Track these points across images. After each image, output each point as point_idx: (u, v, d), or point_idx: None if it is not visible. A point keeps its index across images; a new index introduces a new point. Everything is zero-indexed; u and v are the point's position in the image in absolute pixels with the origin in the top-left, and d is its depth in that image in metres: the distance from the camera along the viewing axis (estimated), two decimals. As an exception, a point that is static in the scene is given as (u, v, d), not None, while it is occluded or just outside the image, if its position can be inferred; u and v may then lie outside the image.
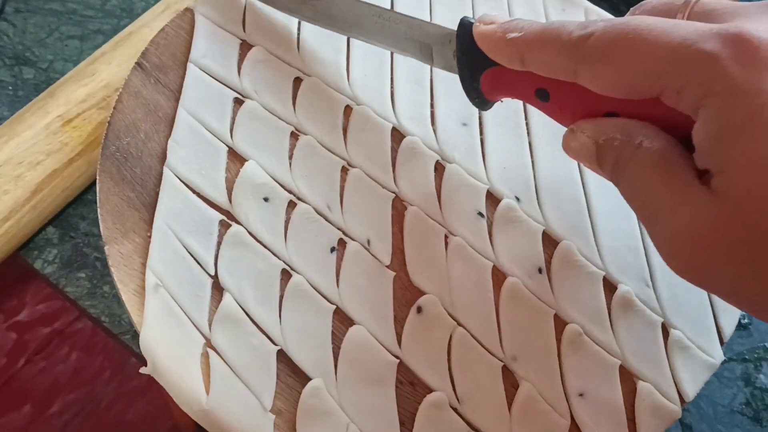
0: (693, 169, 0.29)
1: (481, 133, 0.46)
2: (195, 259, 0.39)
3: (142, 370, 0.37)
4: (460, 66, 0.39)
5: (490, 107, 0.40)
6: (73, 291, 0.46)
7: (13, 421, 1.02)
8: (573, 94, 0.34)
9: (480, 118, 0.46)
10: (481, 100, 0.39)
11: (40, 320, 0.92)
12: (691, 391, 0.39)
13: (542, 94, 0.36)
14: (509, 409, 0.38)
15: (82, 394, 1.12)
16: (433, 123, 0.46)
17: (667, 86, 0.29)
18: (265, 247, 0.40)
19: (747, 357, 0.49)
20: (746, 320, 0.50)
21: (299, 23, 0.48)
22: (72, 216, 0.49)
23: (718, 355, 0.40)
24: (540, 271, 0.41)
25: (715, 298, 0.41)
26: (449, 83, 0.47)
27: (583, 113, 0.34)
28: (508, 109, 0.47)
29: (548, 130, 0.46)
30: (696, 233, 0.28)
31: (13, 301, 0.86)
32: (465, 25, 0.37)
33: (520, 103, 0.47)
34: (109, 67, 0.48)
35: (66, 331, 0.96)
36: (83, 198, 0.49)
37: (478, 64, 0.37)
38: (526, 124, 0.47)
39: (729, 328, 0.41)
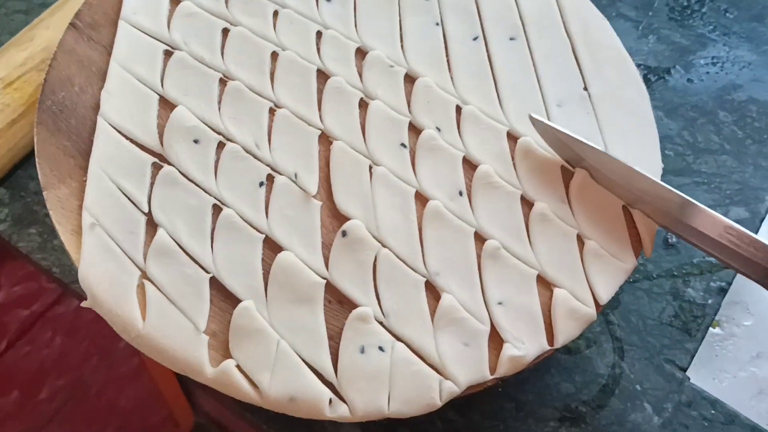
0: None
1: (406, 74, 0.48)
2: (129, 199, 0.41)
3: (83, 303, 0.40)
4: None
5: None
6: (24, 246, 0.49)
7: (3, 406, 1.03)
8: None
9: (405, 58, 0.48)
10: None
11: (18, 302, 0.94)
12: (604, 294, 0.41)
13: None
14: (432, 319, 0.40)
15: (71, 380, 1.13)
16: (357, 64, 0.48)
17: None
18: (196, 185, 0.42)
19: (675, 273, 0.51)
20: (674, 240, 0.52)
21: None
22: (21, 177, 0.51)
23: (630, 261, 0.42)
24: (461, 193, 0.43)
25: (636, 213, 0.43)
26: (375, 26, 0.49)
27: None
28: (433, 47, 0.49)
29: (469, 63, 0.48)
30: None
31: (-12, 283, 0.88)
32: None
33: (443, 42, 0.49)
34: (47, 31, 0.50)
35: (47, 314, 0.98)
36: (31, 160, 0.52)
37: None
38: (447, 61, 0.48)
39: (648, 240, 0.43)
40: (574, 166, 0.44)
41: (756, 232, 0.53)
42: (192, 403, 1.28)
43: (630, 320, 0.49)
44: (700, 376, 0.49)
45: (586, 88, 0.48)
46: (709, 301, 0.50)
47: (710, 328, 0.50)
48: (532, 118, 0.44)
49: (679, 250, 0.52)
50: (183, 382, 1.20)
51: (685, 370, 0.48)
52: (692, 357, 0.49)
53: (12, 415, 1.09)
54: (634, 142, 0.45)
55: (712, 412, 0.46)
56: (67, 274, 0.47)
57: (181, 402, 1.25)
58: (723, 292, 0.51)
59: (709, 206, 0.50)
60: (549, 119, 0.46)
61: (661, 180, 0.44)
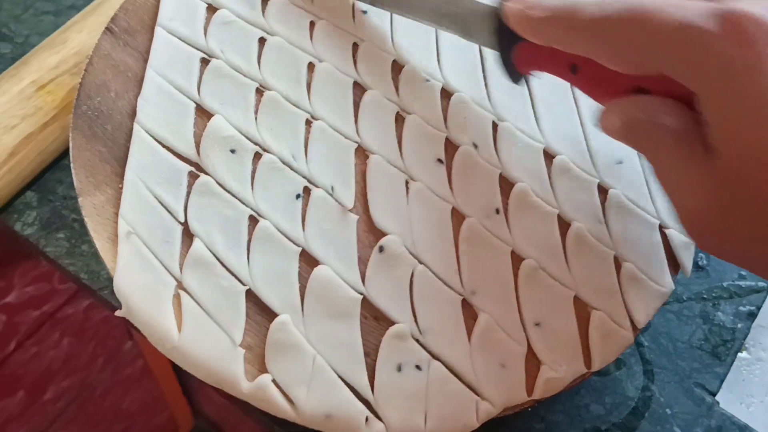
0: (709, 147, 0.30)
1: (443, 88, 0.47)
2: (165, 207, 0.41)
3: (118, 312, 0.39)
4: (494, 41, 0.41)
5: (524, 81, 0.42)
6: (52, 251, 0.48)
7: (8, 407, 1.03)
8: (600, 69, 0.35)
9: (441, 72, 0.48)
10: (514, 74, 0.42)
11: (29, 303, 0.93)
12: (642, 318, 0.41)
13: (573, 68, 0.38)
14: (469, 338, 0.39)
15: (76, 381, 1.13)
16: (394, 78, 0.47)
17: (669, 65, 0.30)
18: (232, 195, 0.42)
19: (705, 296, 0.51)
20: (704, 261, 0.52)
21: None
22: (50, 181, 0.51)
23: (668, 285, 0.42)
24: (497, 211, 0.43)
25: (671, 234, 0.43)
26: (411, 40, 0.49)
27: (612, 89, 0.36)
28: (468, 62, 0.49)
29: (506, 82, 0.48)
30: (707, 215, 0.30)
31: (1, 283, 0.87)
32: (500, 3, 0.40)
33: (479, 56, 0.49)
34: (80, 35, 0.50)
35: (56, 315, 0.97)
36: (60, 164, 0.51)
37: (509, 39, 0.40)
38: (484, 76, 0.48)
39: (687, 262, 0.43)
40: None
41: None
42: (192, 407, 1.28)
43: (660, 342, 0.49)
44: (728, 400, 0.49)
45: (622, 108, 0.47)
46: (739, 326, 0.50)
47: (738, 353, 0.50)
48: None
49: (709, 273, 0.52)
50: (184, 385, 1.20)
51: (714, 394, 0.48)
52: (721, 381, 0.48)
53: (17, 416, 1.08)
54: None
55: (743, 438, 0.46)
56: (96, 281, 0.47)
57: (182, 405, 1.24)
58: (752, 316, 0.51)
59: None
60: (586, 139, 0.46)
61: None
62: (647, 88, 0.34)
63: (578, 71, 0.38)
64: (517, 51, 0.40)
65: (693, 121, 0.31)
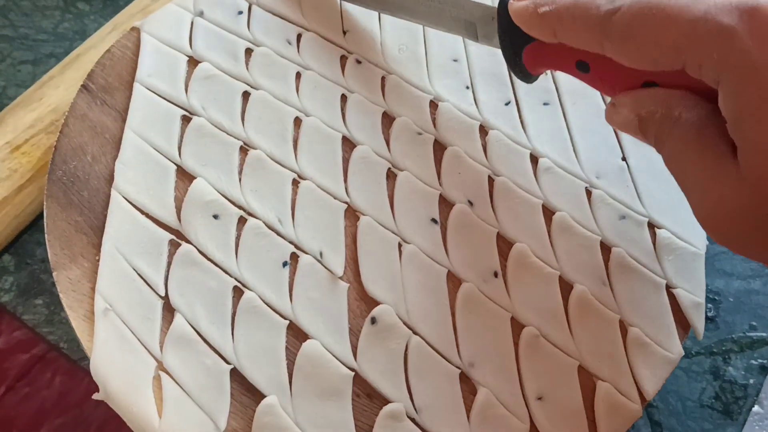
0: (728, 141, 0.29)
1: (436, 141, 0.45)
2: (145, 280, 0.39)
3: (95, 396, 0.37)
4: (502, 42, 0.40)
5: (535, 80, 0.41)
6: (30, 318, 0.46)
7: (0, 450, 1.00)
8: (611, 65, 0.34)
9: (434, 124, 0.46)
10: (524, 74, 0.41)
11: (17, 347, 0.91)
12: (651, 388, 0.38)
13: (582, 65, 0.37)
14: (468, 416, 0.37)
15: (70, 418, 1.10)
16: (384, 131, 0.45)
17: (687, 60, 0.29)
18: (215, 264, 0.40)
19: (715, 350, 0.49)
20: (713, 312, 0.50)
21: (247, 38, 0.48)
22: (28, 243, 0.49)
23: (677, 351, 0.39)
24: (495, 274, 0.41)
25: (679, 294, 0.41)
26: (401, 91, 0.47)
27: (622, 83, 0.35)
28: (462, 111, 0.46)
29: (500, 137, 0.46)
30: (726, 210, 0.29)
31: (-12, 330, 0.85)
32: (503, 2, 0.39)
33: (474, 107, 0.47)
34: (57, 91, 0.48)
35: (47, 356, 0.95)
36: (39, 224, 0.49)
37: (518, 40, 0.39)
38: (480, 127, 0.46)
39: (699, 323, 0.41)
40: None
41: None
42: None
43: (669, 402, 0.47)
44: (742, 461, 0.47)
45: (624, 159, 0.45)
46: (751, 381, 0.48)
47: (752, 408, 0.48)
48: None
49: (718, 325, 0.50)
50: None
51: (727, 456, 0.45)
52: (734, 442, 0.46)
53: (10, 457, 1.06)
54: (677, 214, 0.43)
55: (758, 505, 0.44)
56: (76, 351, 0.45)
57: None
58: (764, 370, 0.48)
59: (747, 276, 0.48)
60: (590, 194, 0.44)
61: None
62: (659, 81, 0.33)
63: (588, 67, 0.36)
64: (525, 51, 0.39)
65: (711, 114, 0.30)
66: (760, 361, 0.49)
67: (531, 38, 0.38)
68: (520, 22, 0.37)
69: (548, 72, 0.49)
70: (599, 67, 0.36)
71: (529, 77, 0.41)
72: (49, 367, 1.01)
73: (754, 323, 0.50)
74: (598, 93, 0.48)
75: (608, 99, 0.48)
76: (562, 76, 0.48)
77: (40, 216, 0.48)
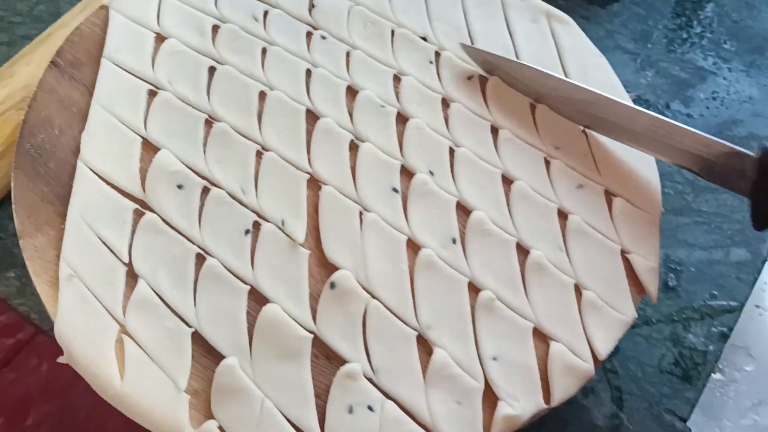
0: None
1: (399, 113, 0.46)
2: (109, 248, 0.40)
3: (59, 359, 0.38)
4: (756, 189, 0.40)
5: None
6: (2, 290, 0.47)
7: (-13, 436, 1.01)
8: None
9: (398, 97, 0.47)
10: (765, 224, 0.40)
11: (2, 331, 0.92)
12: (603, 348, 0.39)
13: None
14: (423, 375, 0.38)
15: (58, 405, 1.11)
16: (348, 104, 0.46)
17: None
18: (179, 233, 0.41)
19: (675, 318, 0.50)
20: (674, 282, 0.51)
21: (216, 15, 0.49)
22: (0, 217, 0.49)
23: (630, 313, 0.40)
24: (454, 241, 0.42)
25: (634, 259, 0.42)
26: (366, 66, 0.48)
27: None
28: (425, 85, 0.47)
29: (462, 110, 0.47)
30: None
31: (-30, 315, 0.86)
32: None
33: (437, 81, 0.48)
34: (28, 68, 0.49)
35: (32, 341, 0.96)
36: (10, 199, 0.50)
37: None
38: (443, 100, 0.47)
39: (652, 287, 0.42)
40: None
41: (758, 274, 0.52)
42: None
43: (629, 368, 0.48)
44: (700, 425, 0.48)
45: (584, 130, 0.46)
46: (711, 348, 0.49)
47: (711, 374, 0.49)
48: (462, 45, 0.48)
49: (679, 294, 0.51)
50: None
51: (685, 420, 0.46)
52: (693, 406, 0.47)
53: (-2, 444, 1.06)
54: (635, 181, 0.44)
55: (714, 466, 0.45)
56: (47, 321, 0.45)
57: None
58: (725, 337, 0.49)
59: (709, 247, 0.49)
60: (549, 162, 0.45)
61: (662, 219, 0.43)
62: None
63: None
64: None
65: None
66: (720, 328, 0.50)
67: None
68: None
69: (513, 44, 0.49)
70: None
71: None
72: (35, 352, 1.02)
73: (714, 292, 0.51)
74: (558, 66, 0.49)
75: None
76: (522, 47, 0.49)
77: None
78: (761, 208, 0.40)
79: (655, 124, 0.42)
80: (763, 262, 0.52)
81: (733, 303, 0.50)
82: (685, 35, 0.64)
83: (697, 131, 0.42)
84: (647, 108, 0.59)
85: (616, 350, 0.48)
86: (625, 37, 0.63)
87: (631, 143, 0.44)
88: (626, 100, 0.48)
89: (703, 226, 0.53)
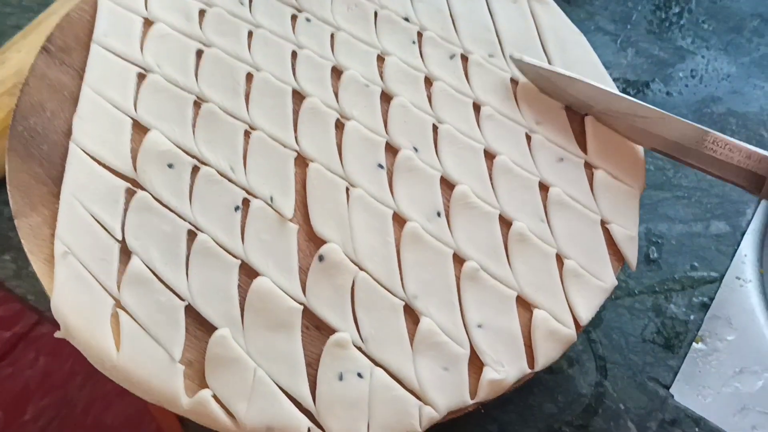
0: None
1: (383, 92, 0.47)
2: (102, 225, 0.41)
3: (56, 334, 0.39)
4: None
5: None
6: (-2, 273, 0.48)
7: (-15, 429, 1.02)
8: None
9: (382, 77, 0.48)
10: None
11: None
12: (584, 315, 0.41)
13: None
14: (411, 343, 0.39)
15: (55, 399, 1.12)
16: (333, 84, 0.47)
17: None
18: (170, 210, 0.42)
19: (657, 289, 0.51)
20: (655, 255, 0.52)
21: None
22: (-5, 202, 0.50)
23: (610, 281, 0.42)
24: (438, 214, 0.43)
25: (613, 229, 0.43)
26: (350, 47, 0.49)
27: None
28: (408, 65, 0.48)
29: (444, 87, 0.48)
30: None
31: (-33, 309, 0.87)
32: None
33: (420, 60, 0.49)
34: (19, 54, 0.50)
35: (30, 335, 0.97)
36: (5, 184, 0.51)
37: None
38: (426, 78, 0.48)
39: (632, 256, 0.43)
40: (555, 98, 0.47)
41: (737, 246, 0.53)
42: (180, 417, 1.26)
43: (612, 338, 0.49)
44: (683, 393, 0.49)
45: (566, 108, 0.48)
46: (692, 317, 0.50)
47: (693, 344, 0.50)
48: (513, 58, 0.47)
49: (660, 266, 0.52)
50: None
51: (668, 387, 0.48)
52: (675, 374, 0.48)
53: (-5, 437, 1.07)
54: (617, 157, 0.45)
55: (696, 430, 0.46)
56: (43, 302, 0.46)
57: (169, 415, 1.23)
58: (705, 307, 0.51)
59: (689, 220, 0.50)
60: (530, 139, 0.46)
61: (643, 194, 0.44)
62: None
63: None
64: None
65: None
66: (701, 298, 0.51)
67: None
68: None
69: (493, 22, 0.50)
70: None
71: None
72: (33, 346, 1.03)
73: (695, 264, 0.52)
74: (538, 45, 0.50)
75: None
76: (503, 26, 0.50)
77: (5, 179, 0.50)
78: None
79: (706, 139, 0.43)
80: (742, 235, 0.53)
81: (713, 274, 0.52)
82: (664, 16, 0.65)
83: (743, 144, 0.42)
84: (627, 89, 0.60)
85: (600, 321, 0.49)
86: (606, 19, 0.64)
87: (686, 158, 0.44)
88: (607, 78, 0.49)
89: (683, 201, 0.55)
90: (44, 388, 1.11)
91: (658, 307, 0.50)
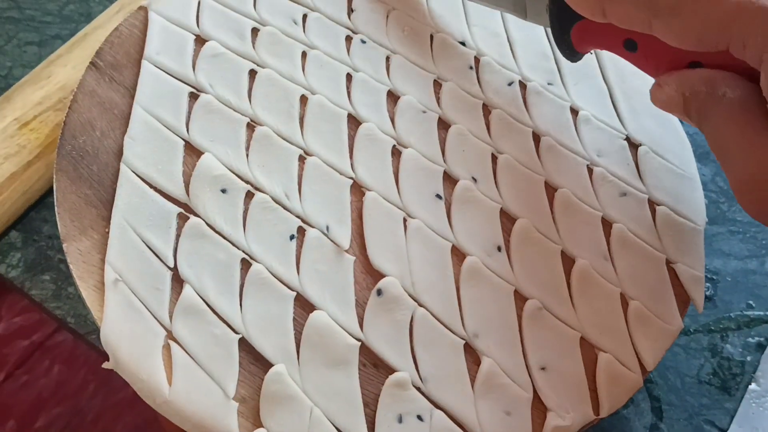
0: None
1: (440, 119, 0.46)
2: (154, 252, 0.39)
3: (105, 365, 0.38)
4: (551, 19, 0.41)
5: (580, 59, 0.43)
6: (38, 294, 0.47)
7: (-2, 437, 1.01)
8: (658, 44, 0.35)
9: (439, 103, 0.47)
10: (571, 52, 0.42)
11: (17, 333, 0.91)
12: (651, 359, 0.39)
13: (630, 44, 0.38)
14: (472, 385, 0.38)
15: (67, 408, 1.11)
16: (389, 109, 0.46)
17: (732, 39, 0.31)
18: (224, 237, 0.40)
19: (713, 328, 0.50)
20: (710, 291, 0.51)
21: (254, 17, 0.48)
22: (35, 220, 0.49)
23: (676, 323, 0.40)
24: (499, 249, 0.42)
25: (679, 269, 0.42)
26: (406, 71, 0.48)
27: (668, 63, 0.36)
28: (467, 92, 0.47)
29: (503, 116, 0.46)
30: (762, 178, 0.30)
31: (-11, 315, 0.86)
32: None
33: (478, 86, 0.48)
34: (65, 69, 0.48)
35: (46, 344, 0.96)
36: (46, 201, 0.49)
37: (567, 18, 0.40)
38: (484, 106, 0.47)
39: (698, 297, 0.42)
40: None
41: (792, 286, 0.52)
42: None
43: (668, 378, 0.47)
44: (739, 436, 0.48)
45: (626, 138, 0.46)
46: (748, 358, 0.49)
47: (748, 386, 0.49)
48: None
49: (716, 303, 0.51)
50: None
51: (725, 431, 0.46)
52: (732, 417, 0.47)
53: (7, 445, 1.06)
54: (677, 192, 0.44)
55: (755, 477, 0.45)
56: (83, 325, 0.45)
57: (179, 429, 1.22)
58: (761, 348, 0.49)
59: (744, 257, 0.49)
60: (591, 171, 0.44)
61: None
62: (704, 62, 0.34)
63: (636, 47, 0.38)
64: (574, 29, 0.40)
65: (754, 93, 0.32)
66: (756, 338, 0.49)
67: (580, 16, 0.39)
68: (571, 2, 0.38)
69: (553, 53, 0.49)
70: (646, 46, 0.37)
71: (575, 55, 0.42)
72: (48, 354, 1.02)
73: (751, 302, 0.51)
74: (599, 73, 0.49)
75: (604, 77, 0.49)
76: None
77: (48, 193, 0.49)
78: (558, 35, 0.42)
79: None
80: (798, 273, 0.52)
81: (769, 313, 0.50)
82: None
83: None
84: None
85: (655, 361, 0.48)
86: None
87: None
88: (675, 121, 0.47)
89: (737, 236, 0.53)
90: (57, 397, 1.10)
91: (713, 346, 0.49)
